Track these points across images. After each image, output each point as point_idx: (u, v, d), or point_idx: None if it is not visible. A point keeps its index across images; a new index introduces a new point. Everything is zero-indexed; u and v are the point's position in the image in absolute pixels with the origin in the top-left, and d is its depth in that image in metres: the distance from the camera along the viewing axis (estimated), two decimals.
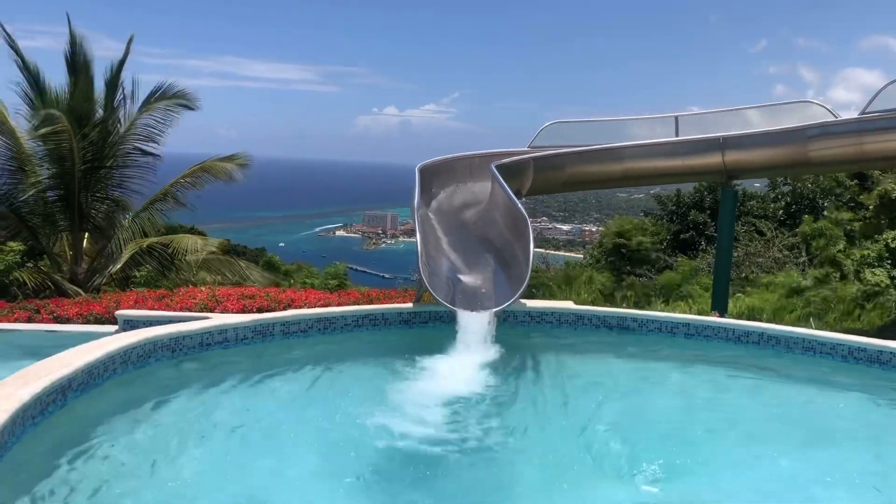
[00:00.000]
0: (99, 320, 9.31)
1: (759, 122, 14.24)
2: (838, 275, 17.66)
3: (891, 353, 7.67)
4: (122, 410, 5.85)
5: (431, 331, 8.71)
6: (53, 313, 9.37)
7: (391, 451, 5.68)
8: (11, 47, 13.84)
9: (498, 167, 11.83)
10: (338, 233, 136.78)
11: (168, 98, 14.96)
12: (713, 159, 13.71)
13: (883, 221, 19.74)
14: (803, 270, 21.04)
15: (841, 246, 19.50)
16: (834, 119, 12.46)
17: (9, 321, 8.96)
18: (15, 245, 12.34)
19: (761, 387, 7.59)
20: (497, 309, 8.09)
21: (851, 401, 7.37)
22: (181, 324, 7.24)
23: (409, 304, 9.00)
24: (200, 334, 7.25)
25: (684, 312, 16.30)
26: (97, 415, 5.66)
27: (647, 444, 5.83)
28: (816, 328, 14.24)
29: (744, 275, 21.59)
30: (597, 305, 14.73)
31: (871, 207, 20.15)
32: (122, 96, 14.75)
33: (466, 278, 9.11)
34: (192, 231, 24.50)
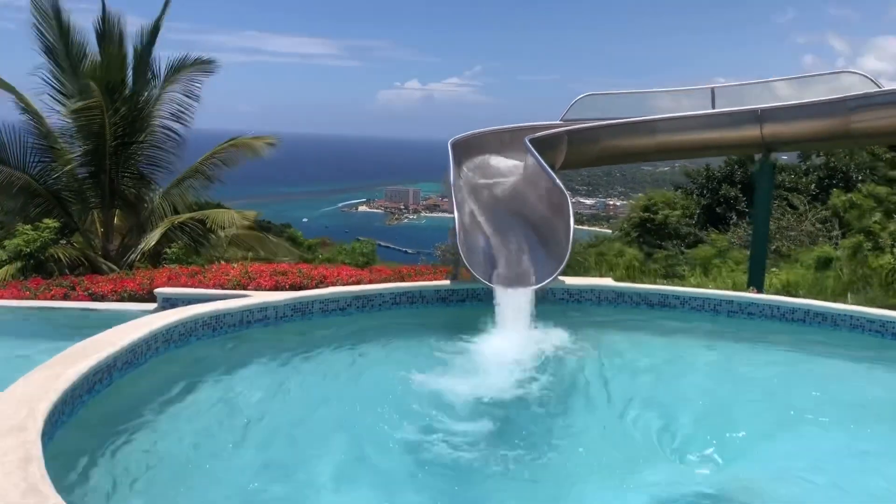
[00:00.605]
0: (133, 297, 9.36)
1: (792, 94, 13.85)
2: (871, 245, 17.29)
3: None
4: (166, 389, 5.83)
5: (469, 309, 8.62)
6: (88, 290, 9.43)
7: (435, 431, 5.59)
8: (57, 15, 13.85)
9: (532, 141, 11.60)
10: (360, 208, 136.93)
11: (188, 67, 14.93)
12: (751, 132, 13.35)
13: None
14: (836, 245, 20.71)
15: (877, 217, 19.10)
16: (878, 89, 12.06)
17: (46, 298, 9.02)
18: (50, 222, 12.40)
19: (814, 366, 7.43)
20: (537, 287, 7.95)
21: None
22: (222, 302, 7.21)
23: (447, 282, 8.90)
24: (241, 312, 7.22)
25: (719, 287, 16.11)
26: (142, 394, 5.64)
27: (703, 425, 5.71)
28: (855, 303, 14.00)
29: (774, 247, 21.29)
30: (630, 280, 14.57)
31: None
32: (153, 68, 14.73)
33: (504, 255, 8.98)
34: (219, 207, 24.59)
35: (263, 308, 7.43)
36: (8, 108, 13.94)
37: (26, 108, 13.98)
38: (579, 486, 4.83)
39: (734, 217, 26.00)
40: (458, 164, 11.66)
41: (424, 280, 10.10)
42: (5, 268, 11.85)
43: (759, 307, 8.46)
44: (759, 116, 13.19)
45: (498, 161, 13.14)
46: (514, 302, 7.88)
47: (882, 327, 7.82)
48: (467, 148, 12.61)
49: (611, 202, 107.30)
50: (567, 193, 8.92)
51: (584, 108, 14.92)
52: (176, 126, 15.07)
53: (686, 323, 8.52)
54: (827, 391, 6.81)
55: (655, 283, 14.33)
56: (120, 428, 5.01)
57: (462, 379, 6.60)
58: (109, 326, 6.13)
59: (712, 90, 14.29)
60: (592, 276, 14.09)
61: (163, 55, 14.98)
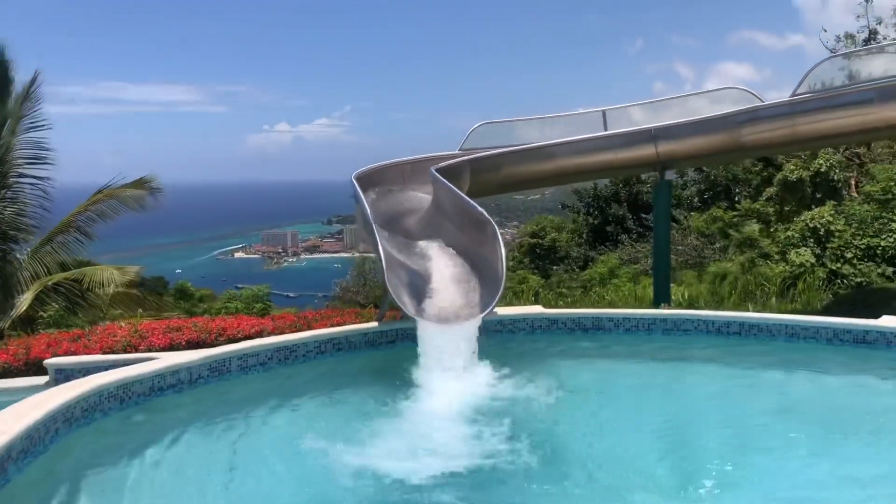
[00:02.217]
0: (7, 371, 8.16)
1: (680, 114, 14.18)
2: (757, 255, 17.98)
3: (878, 332, 7.53)
4: (74, 480, 4.92)
5: (400, 350, 7.95)
6: None
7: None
8: None
9: (438, 171, 11.23)
10: (237, 254, 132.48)
11: (24, 99, 13.66)
12: (646, 151, 13.52)
13: (789, 206, 20.45)
14: (719, 256, 21.49)
15: (756, 228, 19.96)
16: (763, 103, 12.48)
17: None
18: None
19: (761, 378, 7.33)
20: (477, 318, 7.41)
21: (859, 384, 7.16)
22: (127, 368, 6.27)
23: (374, 324, 8.25)
24: (151, 378, 6.30)
25: (623, 302, 16.20)
26: (45, 491, 4.69)
27: (678, 451, 5.35)
28: (754, 311, 14.35)
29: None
30: (546, 305, 14.34)
31: (776, 193, 20.85)
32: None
33: (431, 289, 8.41)
34: (89, 265, 22.72)
35: (175, 371, 6.54)
36: None
37: None
38: None
39: (621, 234, 26.67)
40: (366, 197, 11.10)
41: (331, 324, 9.41)
42: None
43: (694, 323, 8.33)
44: (653, 135, 13.39)
45: (402, 194, 12.71)
46: (451, 339, 7.31)
47: (816, 334, 7.83)
48: (371, 182, 12.10)
49: None
50: (489, 218, 8.53)
51: (480, 137, 14.77)
52: (40, 173, 13.74)
53: (624, 345, 8.27)
54: (785, 403, 6.68)
55: (570, 305, 14.22)
56: None
57: (406, 445, 5.84)
58: None
59: (603, 112, 14.45)
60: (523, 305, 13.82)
61: None
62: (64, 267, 14.37)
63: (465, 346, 7.23)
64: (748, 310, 14.63)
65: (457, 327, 7.39)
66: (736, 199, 24.47)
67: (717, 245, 22.84)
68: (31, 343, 9.07)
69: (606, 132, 14.03)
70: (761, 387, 7.16)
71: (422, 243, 10.18)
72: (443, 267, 8.96)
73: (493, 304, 7.50)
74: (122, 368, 6.26)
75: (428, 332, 7.39)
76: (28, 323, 12.78)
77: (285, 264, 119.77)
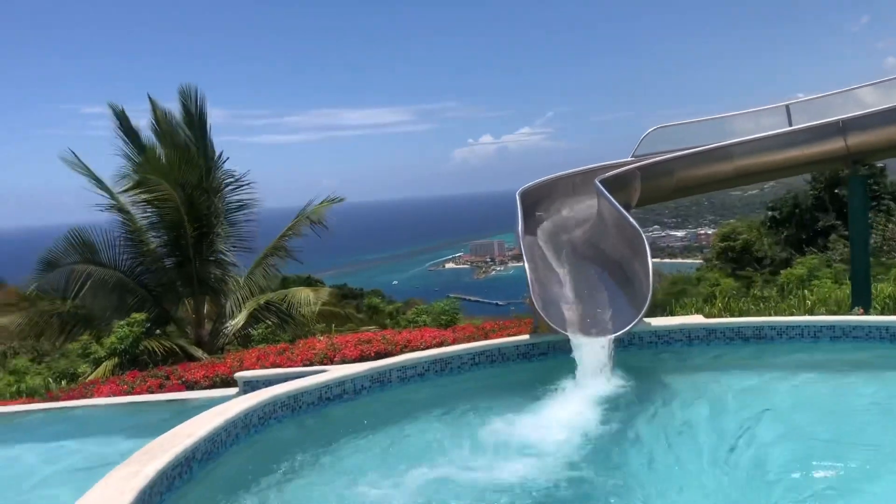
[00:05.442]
0: (225, 381, 9.49)
1: (874, 101, 13.07)
2: None
3: None
4: (248, 479, 5.72)
5: (552, 362, 8.19)
6: (182, 378, 9.64)
7: None
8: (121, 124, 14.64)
9: (602, 182, 11.36)
10: (447, 265, 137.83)
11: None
12: (835, 145, 12.70)
13: None
14: None
15: None
16: None
17: (142, 390, 9.26)
18: (138, 316, 12.81)
19: None
20: (621, 332, 7.56)
21: None
22: (298, 381, 7.14)
23: (526, 336, 8.60)
24: (319, 389, 7.13)
25: (819, 305, 15.12)
26: (224, 486, 5.55)
27: (851, 474, 5.12)
28: None
29: (883, 260, 19.95)
30: (736, 310, 13.78)
31: None
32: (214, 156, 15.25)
33: (585, 302, 8.63)
34: (308, 281, 25.09)
35: (341, 383, 7.33)
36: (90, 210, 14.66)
37: (120, 208, 14.68)
38: None
39: (832, 238, 24.84)
40: (530, 213, 11.47)
41: (508, 334, 9.86)
42: (104, 364, 12.29)
43: (866, 329, 7.81)
44: (842, 128, 12.55)
45: (571, 206, 12.91)
46: (592, 351, 7.49)
47: None
48: (539, 196, 12.44)
49: (702, 232, 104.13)
50: (641, 230, 8.56)
51: (655, 141, 14.54)
52: (245, 198, 15.60)
53: (785, 356, 7.90)
54: None
55: (760, 310, 13.51)
56: None
57: (546, 443, 6.16)
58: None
59: (787, 107, 13.71)
60: (683, 314, 13.52)
61: (244, 142, 15.54)
62: (278, 285, 16.20)
63: (603, 358, 7.37)
64: None
65: (598, 340, 7.55)
66: None
67: None
68: (244, 357, 10.46)
69: (789, 128, 13.33)
70: None
71: (585, 254, 10.38)
72: (600, 279, 9.13)
73: (636, 321, 7.57)
74: (295, 381, 7.14)
75: (573, 344, 7.63)
76: (245, 339, 14.56)
77: (493, 273, 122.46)
